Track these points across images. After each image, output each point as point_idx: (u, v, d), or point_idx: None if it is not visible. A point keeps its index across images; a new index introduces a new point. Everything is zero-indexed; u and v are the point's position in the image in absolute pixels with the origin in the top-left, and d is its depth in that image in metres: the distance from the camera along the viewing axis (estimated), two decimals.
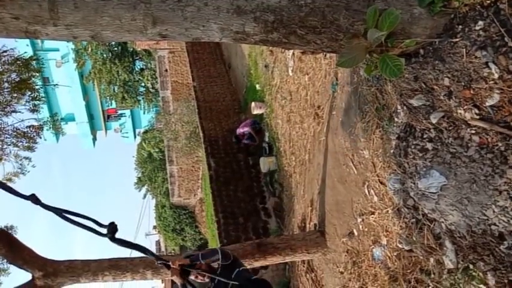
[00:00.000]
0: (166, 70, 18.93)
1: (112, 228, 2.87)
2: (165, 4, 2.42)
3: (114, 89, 25.05)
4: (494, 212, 2.71)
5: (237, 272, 3.78)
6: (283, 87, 9.06)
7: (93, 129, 33.85)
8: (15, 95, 9.63)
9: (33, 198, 2.62)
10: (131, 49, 23.45)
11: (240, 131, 11.16)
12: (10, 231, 9.53)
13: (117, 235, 2.96)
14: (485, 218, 2.78)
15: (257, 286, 3.77)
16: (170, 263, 3.80)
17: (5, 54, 9.36)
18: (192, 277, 3.79)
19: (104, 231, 2.88)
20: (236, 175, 11.47)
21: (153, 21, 2.43)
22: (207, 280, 3.79)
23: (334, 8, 2.59)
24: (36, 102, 10.63)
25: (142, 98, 26.44)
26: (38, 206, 2.69)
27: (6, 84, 9.36)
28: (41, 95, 11.22)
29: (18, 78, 9.64)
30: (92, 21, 2.39)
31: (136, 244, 3.43)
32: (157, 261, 3.69)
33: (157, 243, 33.43)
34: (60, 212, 2.74)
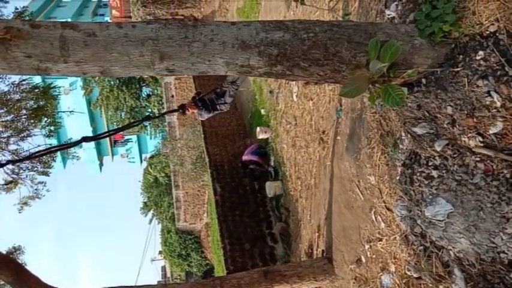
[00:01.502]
0: (172, 96, 19.18)
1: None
2: (172, 40, 2.50)
3: (121, 115, 25.36)
4: (502, 239, 2.68)
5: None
6: (288, 112, 9.14)
7: (100, 155, 34.12)
8: (32, 121, 9.96)
9: (86, 139, 3.21)
10: (138, 76, 23.85)
11: (245, 158, 11.19)
12: (18, 252, 9.64)
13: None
14: (494, 245, 2.75)
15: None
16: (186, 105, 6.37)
17: (24, 82, 9.73)
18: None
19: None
20: (242, 200, 11.44)
21: (161, 56, 2.50)
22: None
23: (336, 41, 2.66)
24: (52, 128, 11.00)
25: (149, 124, 26.70)
26: (94, 141, 3.25)
27: (24, 111, 9.70)
28: (57, 121, 11.61)
29: (35, 106, 10.00)
30: (101, 58, 2.47)
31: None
32: (179, 111, 6.30)
33: (163, 268, 33.09)
34: (116, 129, 3.24)
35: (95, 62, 2.47)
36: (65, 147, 3.27)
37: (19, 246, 9.92)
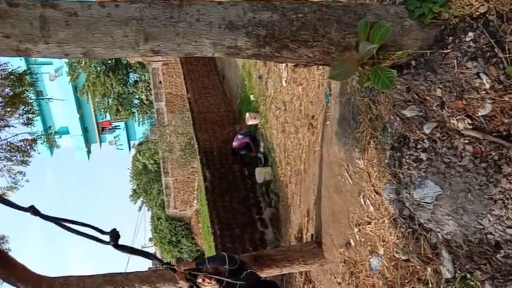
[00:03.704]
0: (160, 82, 18.95)
1: (114, 235, 2.98)
2: (157, 20, 2.42)
3: (108, 102, 25.05)
4: (489, 221, 2.71)
5: (245, 274, 3.99)
6: (277, 98, 9.09)
7: (88, 142, 33.74)
8: (8, 109, 9.67)
9: (32, 210, 2.71)
10: (125, 62, 23.50)
11: (235, 144, 11.16)
12: (1, 241, 9.51)
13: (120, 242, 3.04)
14: (481, 227, 2.77)
15: (265, 287, 4.16)
16: (176, 267, 4.01)
17: None
18: (199, 280, 3.93)
19: (106, 238, 2.95)
20: (232, 186, 11.43)
21: (145, 37, 2.43)
22: (213, 283, 3.94)
23: (325, 22, 2.61)
24: (30, 116, 10.71)
25: (137, 110, 26.45)
26: (38, 217, 2.75)
27: None
28: (34, 108, 11.30)
29: (11, 93, 9.69)
30: (83, 38, 2.39)
31: (141, 250, 3.63)
32: (163, 265, 3.92)
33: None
34: (60, 222, 2.80)
35: (77, 42, 2.39)
36: (12, 205, 2.96)
37: (3, 235, 9.80)
